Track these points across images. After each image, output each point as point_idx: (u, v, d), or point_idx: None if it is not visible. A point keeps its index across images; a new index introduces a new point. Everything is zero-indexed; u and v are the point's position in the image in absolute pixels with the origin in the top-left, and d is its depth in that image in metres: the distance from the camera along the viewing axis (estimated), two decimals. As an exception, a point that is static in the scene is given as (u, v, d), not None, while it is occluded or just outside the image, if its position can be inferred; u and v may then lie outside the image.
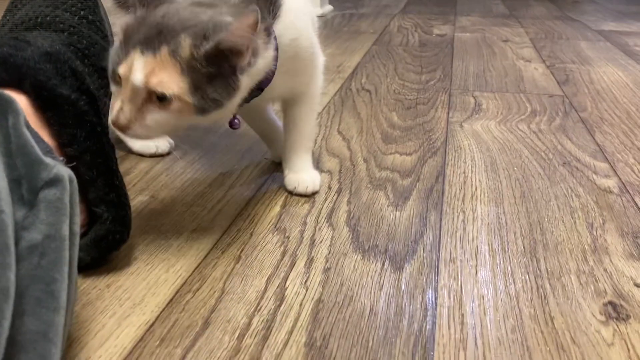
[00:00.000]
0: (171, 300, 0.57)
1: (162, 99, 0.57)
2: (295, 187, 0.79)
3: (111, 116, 0.59)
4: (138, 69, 0.56)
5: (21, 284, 0.41)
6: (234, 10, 0.61)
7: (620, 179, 0.86)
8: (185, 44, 0.56)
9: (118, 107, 0.58)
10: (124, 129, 0.59)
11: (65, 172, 0.47)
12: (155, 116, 0.58)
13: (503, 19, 2.40)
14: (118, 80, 0.59)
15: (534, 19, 2.41)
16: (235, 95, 0.61)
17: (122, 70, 0.57)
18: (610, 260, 0.65)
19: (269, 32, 0.64)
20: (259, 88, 0.68)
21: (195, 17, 0.59)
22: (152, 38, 0.57)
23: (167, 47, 0.56)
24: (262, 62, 0.63)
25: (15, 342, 0.39)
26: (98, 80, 0.66)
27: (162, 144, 0.92)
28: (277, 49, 0.66)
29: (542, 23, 2.31)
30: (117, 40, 0.60)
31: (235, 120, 0.75)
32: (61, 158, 0.52)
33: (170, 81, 0.56)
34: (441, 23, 2.25)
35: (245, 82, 0.61)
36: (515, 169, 0.89)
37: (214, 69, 0.57)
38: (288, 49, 0.69)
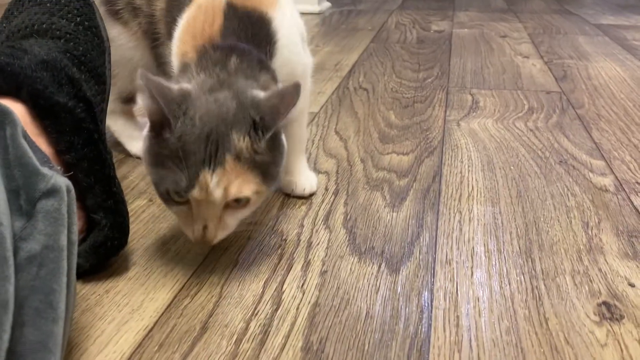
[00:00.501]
0: (169, 305, 0.58)
1: (240, 200, 0.58)
2: (293, 190, 0.80)
3: (194, 237, 0.59)
4: (215, 188, 0.55)
5: (20, 294, 0.41)
6: (241, 78, 0.61)
7: (616, 176, 0.86)
8: (243, 144, 0.56)
9: (201, 229, 0.58)
10: (211, 242, 0.60)
11: (63, 182, 0.47)
12: (237, 216, 0.60)
13: (501, 13, 2.40)
14: (178, 201, 0.58)
15: (532, 13, 2.41)
16: (286, 152, 0.62)
17: (197, 194, 0.56)
18: (605, 260, 0.65)
19: (275, 80, 0.65)
20: None
21: (227, 109, 0.57)
22: (211, 153, 0.55)
23: (230, 156, 0.56)
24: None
25: (15, 352, 0.40)
26: (95, 87, 0.67)
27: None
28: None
29: (540, 17, 2.31)
30: (171, 165, 0.57)
31: None
32: (59, 167, 0.52)
33: (246, 184, 0.57)
34: (439, 19, 2.24)
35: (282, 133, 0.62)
36: (512, 167, 0.89)
37: (272, 148, 0.58)
38: (285, 81, 0.68)
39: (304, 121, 0.80)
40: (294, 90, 0.57)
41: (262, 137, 0.57)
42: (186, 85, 0.60)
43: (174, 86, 0.59)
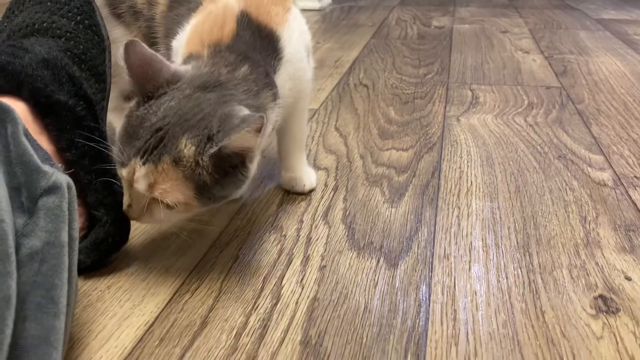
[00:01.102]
0: (170, 300, 0.59)
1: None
2: (293, 186, 0.81)
3: (124, 206, 0.60)
4: (140, 179, 0.55)
5: (22, 290, 0.42)
6: (242, 90, 0.60)
7: (614, 171, 0.87)
8: (189, 151, 0.54)
9: (127, 204, 0.59)
10: (135, 219, 0.60)
11: (64, 179, 0.48)
12: (162, 213, 0.58)
13: (502, 9, 2.40)
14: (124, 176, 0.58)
15: (533, 9, 2.41)
16: (245, 182, 0.59)
17: (124, 174, 0.56)
18: (602, 254, 0.66)
19: (275, 96, 0.65)
20: None
21: (198, 111, 0.56)
22: (152, 146, 0.55)
23: (168, 157, 0.54)
24: (270, 126, 0.64)
25: (18, 346, 0.41)
26: (95, 85, 0.68)
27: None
28: (279, 103, 0.67)
29: (541, 13, 2.31)
30: (117, 133, 0.59)
31: None
32: (60, 164, 0.53)
33: (174, 191, 0.55)
34: (440, 14, 2.24)
35: (255, 163, 0.60)
36: (511, 163, 0.90)
37: (221, 169, 0.56)
38: (287, 99, 0.70)
39: (304, 119, 0.81)
40: (258, 120, 0.54)
41: (205, 152, 0.54)
42: (184, 69, 0.61)
43: (172, 66, 0.60)
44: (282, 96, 0.67)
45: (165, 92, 0.58)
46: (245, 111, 0.58)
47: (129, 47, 0.57)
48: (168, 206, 0.56)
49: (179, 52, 0.69)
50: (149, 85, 0.58)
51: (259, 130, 0.54)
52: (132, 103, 0.59)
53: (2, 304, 0.39)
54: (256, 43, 0.66)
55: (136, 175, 0.55)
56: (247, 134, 0.54)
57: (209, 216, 0.75)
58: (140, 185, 0.56)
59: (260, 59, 0.65)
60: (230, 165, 0.56)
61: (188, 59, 0.64)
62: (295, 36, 0.71)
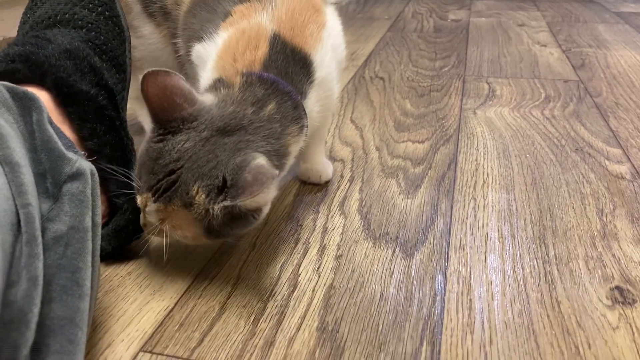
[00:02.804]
0: (189, 286, 0.60)
1: None
2: (309, 177, 0.81)
3: (141, 220, 0.60)
4: (151, 212, 0.56)
5: (48, 272, 0.43)
6: (263, 134, 0.59)
7: (633, 164, 0.86)
8: (199, 199, 0.54)
9: (143, 220, 0.60)
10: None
11: (87, 166, 0.49)
12: (176, 233, 0.57)
13: (519, 2, 2.38)
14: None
15: (551, 2, 2.38)
16: (258, 222, 0.58)
17: (139, 202, 0.58)
18: (619, 246, 0.66)
19: (302, 128, 0.64)
20: None
21: (213, 158, 0.55)
22: (164, 188, 0.55)
23: (179, 201, 0.55)
24: (293, 155, 0.65)
25: (45, 326, 0.42)
26: (116, 75, 0.69)
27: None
28: (306, 132, 0.66)
29: (559, 6, 2.28)
30: (138, 155, 0.59)
31: None
32: (82, 152, 0.54)
33: (185, 227, 0.56)
34: (457, 8, 2.23)
35: (268, 207, 0.59)
36: (528, 155, 0.90)
37: (231, 216, 0.55)
38: (314, 121, 0.69)
39: (328, 120, 0.82)
40: (269, 180, 0.53)
41: (218, 203, 0.54)
42: (208, 102, 0.60)
43: (195, 98, 0.59)
44: (310, 119, 0.66)
45: (182, 130, 0.57)
46: (260, 160, 0.56)
47: (148, 77, 0.56)
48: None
49: (205, 60, 0.67)
50: (167, 118, 0.57)
51: (268, 184, 0.53)
52: (152, 131, 0.59)
53: (30, 284, 0.40)
54: (288, 68, 0.64)
55: (148, 208, 0.57)
56: (259, 194, 0.53)
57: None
58: (152, 218, 0.57)
59: (292, 91, 0.63)
60: (240, 214, 0.56)
61: (218, 83, 0.62)
62: (328, 57, 0.69)
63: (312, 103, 0.67)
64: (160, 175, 0.56)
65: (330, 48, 0.70)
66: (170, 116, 0.57)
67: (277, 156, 0.60)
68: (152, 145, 0.57)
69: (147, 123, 0.95)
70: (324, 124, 0.79)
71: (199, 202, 0.54)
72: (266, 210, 0.59)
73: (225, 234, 0.57)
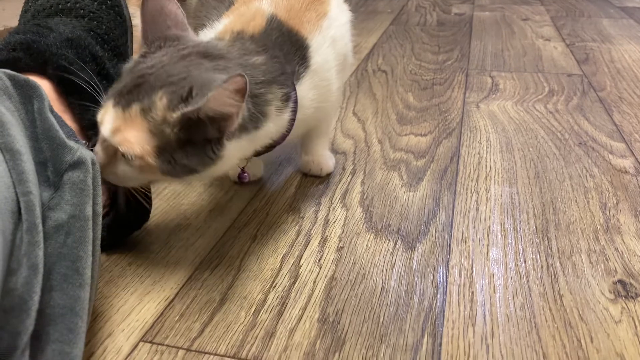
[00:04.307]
0: (190, 277, 0.60)
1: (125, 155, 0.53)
2: (310, 169, 0.81)
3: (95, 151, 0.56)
4: (107, 121, 0.53)
5: (48, 261, 0.43)
6: (244, 71, 0.55)
7: (636, 159, 0.86)
8: (160, 104, 0.51)
9: (97, 150, 0.55)
10: (101, 170, 0.54)
11: (88, 155, 0.49)
12: (123, 167, 0.54)
13: (523, -4, 2.36)
14: None
15: (556, -4, 2.36)
16: (216, 162, 0.54)
17: (98, 116, 0.55)
18: (622, 240, 0.65)
19: (287, 96, 0.61)
20: (271, 146, 0.65)
21: (185, 72, 0.53)
22: (128, 92, 0.53)
23: (139, 105, 0.52)
24: (274, 125, 0.60)
25: (45, 315, 0.42)
26: (117, 65, 0.68)
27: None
28: (295, 111, 0.63)
29: (563, 0, 2.27)
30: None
31: (245, 174, 0.73)
32: (84, 141, 0.54)
33: (134, 142, 0.52)
34: (460, 1, 2.22)
35: (237, 146, 0.56)
36: (531, 149, 0.89)
37: (188, 134, 0.52)
38: (308, 109, 0.66)
39: (331, 112, 0.80)
40: (236, 77, 0.49)
41: (177, 109, 0.50)
42: (192, 35, 0.60)
43: (186, 29, 0.59)
44: (302, 106, 0.64)
45: (163, 48, 0.57)
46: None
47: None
48: (127, 161, 0.53)
49: None
50: (154, 37, 0.58)
51: (239, 93, 0.50)
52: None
53: (31, 272, 0.40)
54: (283, 46, 0.63)
55: (105, 117, 0.54)
56: (225, 93, 0.49)
57: (228, 197, 0.76)
58: (105, 128, 0.53)
59: (282, 59, 0.62)
60: (203, 137, 0.53)
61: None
62: (326, 45, 0.68)
63: (306, 89, 0.65)
64: (128, 80, 0.54)
65: (329, 38, 0.69)
66: (157, 35, 0.57)
67: (254, 104, 0.57)
68: (130, 62, 0.57)
69: None
70: (325, 118, 0.78)
71: (159, 107, 0.51)
72: (230, 149, 0.54)
73: (177, 161, 0.53)
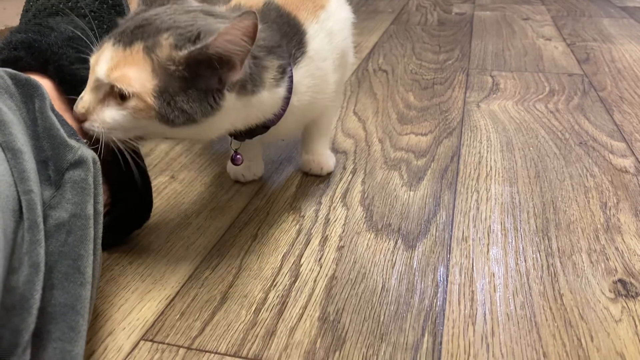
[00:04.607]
0: (191, 276, 0.60)
1: (123, 96, 0.51)
2: (310, 169, 0.81)
3: (76, 103, 0.54)
4: (104, 60, 0.51)
5: (50, 259, 0.43)
6: None
7: (637, 158, 0.86)
8: (166, 42, 0.51)
9: (81, 96, 0.54)
10: (80, 118, 0.54)
11: (89, 154, 0.49)
12: (113, 113, 0.52)
13: (524, -4, 2.36)
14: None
15: (557, -4, 2.36)
16: (214, 114, 0.53)
17: (91, 60, 0.53)
18: (623, 239, 0.65)
19: (283, 70, 0.60)
20: (264, 126, 0.64)
21: (192, 21, 0.53)
22: (130, 32, 0.52)
23: (142, 43, 0.51)
24: (269, 97, 0.59)
25: (46, 313, 0.42)
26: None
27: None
28: (290, 90, 0.62)
29: (564, 0, 2.27)
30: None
31: (238, 156, 0.71)
32: (85, 140, 0.54)
33: (134, 78, 0.50)
34: (461, 1, 2.22)
35: (234, 105, 0.55)
36: (531, 149, 0.89)
37: (193, 75, 0.51)
38: (303, 96, 0.65)
39: (332, 111, 0.80)
40: (247, 15, 0.49)
41: (184, 48, 0.50)
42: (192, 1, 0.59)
43: None
44: (298, 91, 0.64)
45: (165, 3, 0.57)
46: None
47: None
48: (121, 104, 0.51)
49: None
50: None
51: (249, 34, 0.50)
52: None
53: (32, 270, 0.40)
54: (282, 27, 0.63)
55: (101, 58, 0.52)
56: (235, 32, 0.49)
57: (228, 196, 0.76)
58: (101, 68, 0.51)
59: (280, 36, 0.62)
60: (205, 84, 0.52)
61: None
62: (322, 35, 0.67)
63: (302, 75, 0.64)
64: (130, 24, 0.53)
65: (327, 29, 0.68)
66: None
67: (254, 65, 0.56)
68: (129, 15, 0.55)
69: None
70: (324, 114, 0.77)
71: (164, 45, 0.50)
72: (229, 99, 0.54)
73: (177, 104, 0.51)
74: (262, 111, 0.61)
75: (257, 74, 0.57)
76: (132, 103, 0.51)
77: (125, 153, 0.56)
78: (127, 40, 0.51)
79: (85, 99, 0.53)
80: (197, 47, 0.50)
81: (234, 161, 0.72)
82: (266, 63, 0.58)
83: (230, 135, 0.66)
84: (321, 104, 0.71)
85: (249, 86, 0.56)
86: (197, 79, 0.52)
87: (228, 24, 0.52)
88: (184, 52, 0.50)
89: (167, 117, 0.52)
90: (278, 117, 0.64)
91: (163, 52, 0.51)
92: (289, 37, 0.64)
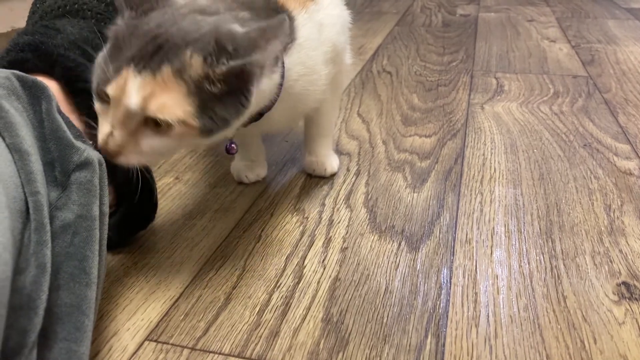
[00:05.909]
0: (195, 277, 0.60)
1: (157, 123, 0.50)
2: (314, 170, 0.81)
3: (99, 139, 0.51)
4: (133, 91, 0.48)
5: (56, 260, 0.44)
6: (239, 21, 0.54)
7: (641, 160, 0.86)
8: (194, 62, 0.49)
9: (107, 132, 0.50)
10: (114, 155, 0.51)
11: (95, 155, 0.50)
12: (151, 142, 0.51)
13: (529, -3, 2.36)
14: (105, 98, 0.51)
15: (561, -3, 2.36)
16: (245, 112, 0.54)
17: (111, 90, 0.49)
18: (627, 242, 0.65)
19: (276, 57, 0.59)
20: (259, 113, 0.63)
21: (199, 27, 0.51)
22: (150, 54, 0.49)
23: (170, 67, 0.48)
24: (268, 84, 0.58)
25: (52, 313, 0.42)
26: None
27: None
28: (282, 76, 0.61)
29: (569, 1, 2.26)
30: (104, 50, 0.52)
31: (232, 145, 0.71)
32: (91, 142, 0.54)
33: (174, 105, 0.48)
34: (465, 3, 2.22)
35: (254, 100, 0.55)
36: (535, 150, 0.89)
37: (229, 86, 0.51)
38: (295, 83, 0.64)
39: (332, 109, 0.80)
40: (277, 23, 0.50)
41: (225, 63, 0.49)
42: None
43: None
44: (289, 78, 0.62)
45: (156, 8, 0.53)
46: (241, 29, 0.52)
47: None
48: (160, 131, 0.50)
49: None
50: (140, 1, 0.53)
51: (283, 42, 0.51)
52: (117, 20, 0.54)
53: (39, 271, 0.40)
54: (269, 13, 0.60)
55: (128, 87, 0.48)
56: (270, 46, 0.50)
57: (232, 197, 0.76)
58: (133, 100, 0.48)
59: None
60: (238, 87, 0.51)
61: None
62: (311, 25, 0.66)
63: (292, 62, 0.63)
64: (142, 42, 0.49)
65: (316, 21, 0.66)
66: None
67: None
68: (122, 27, 0.51)
69: None
70: (323, 114, 0.77)
71: (194, 65, 0.49)
72: (253, 93, 0.53)
73: (218, 114, 0.51)
74: (263, 98, 0.60)
75: None
76: (176, 130, 0.50)
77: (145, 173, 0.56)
78: (153, 65, 0.48)
79: (117, 135, 0.50)
80: (238, 63, 0.49)
81: (228, 151, 0.70)
82: None
83: None
84: (312, 97, 0.69)
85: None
86: (230, 86, 0.51)
87: (230, 22, 0.52)
88: (221, 69, 0.49)
89: (210, 130, 0.51)
90: (271, 103, 0.63)
91: (195, 72, 0.49)
92: None
